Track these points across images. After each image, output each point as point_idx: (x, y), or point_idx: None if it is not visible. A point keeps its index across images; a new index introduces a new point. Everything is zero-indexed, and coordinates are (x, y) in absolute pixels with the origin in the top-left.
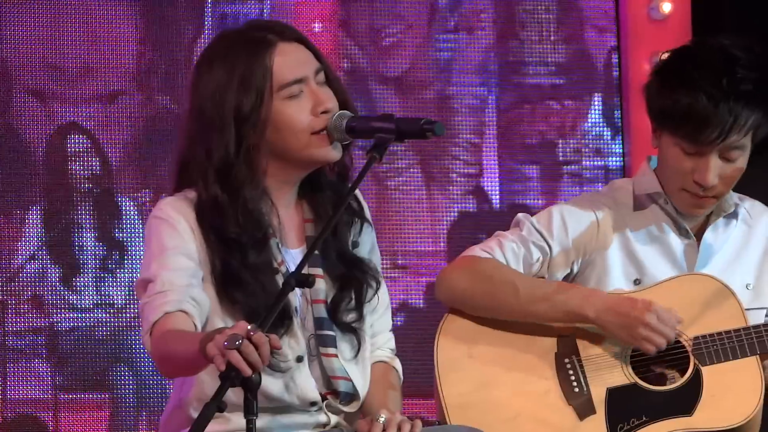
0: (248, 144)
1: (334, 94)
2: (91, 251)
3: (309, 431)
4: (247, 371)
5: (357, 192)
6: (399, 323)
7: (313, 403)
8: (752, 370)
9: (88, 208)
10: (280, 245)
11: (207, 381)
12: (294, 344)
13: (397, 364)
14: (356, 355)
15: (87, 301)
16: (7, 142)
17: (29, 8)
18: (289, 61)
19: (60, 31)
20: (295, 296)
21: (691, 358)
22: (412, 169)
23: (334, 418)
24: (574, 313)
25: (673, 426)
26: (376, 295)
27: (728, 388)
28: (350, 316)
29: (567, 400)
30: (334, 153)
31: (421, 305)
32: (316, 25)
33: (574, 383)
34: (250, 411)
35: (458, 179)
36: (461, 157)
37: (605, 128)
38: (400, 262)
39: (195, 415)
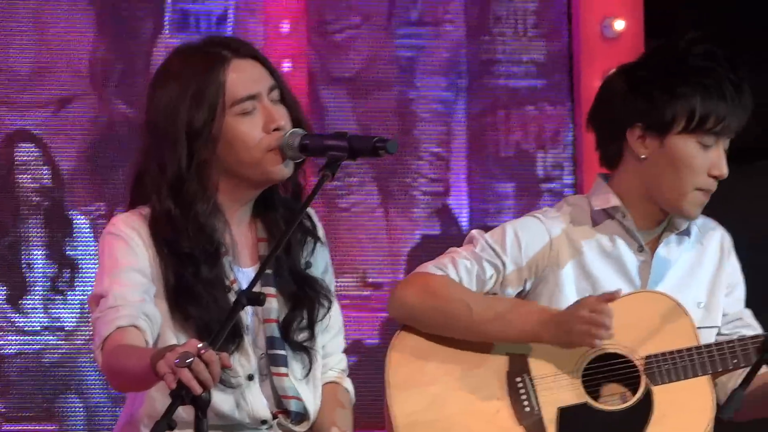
0: (200, 159)
1: (288, 111)
2: (39, 270)
3: None
4: (198, 389)
5: (311, 211)
6: (351, 361)
7: (264, 422)
8: (703, 389)
9: (37, 223)
10: (232, 264)
11: (158, 398)
12: (245, 362)
13: (349, 384)
14: (307, 375)
15: (35, 324)
16: None
17: None
18: (242, 78)
19: (6, 31)
20: (247, 315)
21: (643, 377)
22: (366, 186)
23: None
24: (526, 333)
25: None
26: (328, 315)
27: (679, 407)
28: (302, 336)
29: (518, 419)
30: (285, 171)
31: (377, 343)
32: (285, 25)
33: (525, 402)
34: (200, 429)
35: (421, 198)
36: (424, 173)
37: None
38: (353, 293)
39: (146, 431)
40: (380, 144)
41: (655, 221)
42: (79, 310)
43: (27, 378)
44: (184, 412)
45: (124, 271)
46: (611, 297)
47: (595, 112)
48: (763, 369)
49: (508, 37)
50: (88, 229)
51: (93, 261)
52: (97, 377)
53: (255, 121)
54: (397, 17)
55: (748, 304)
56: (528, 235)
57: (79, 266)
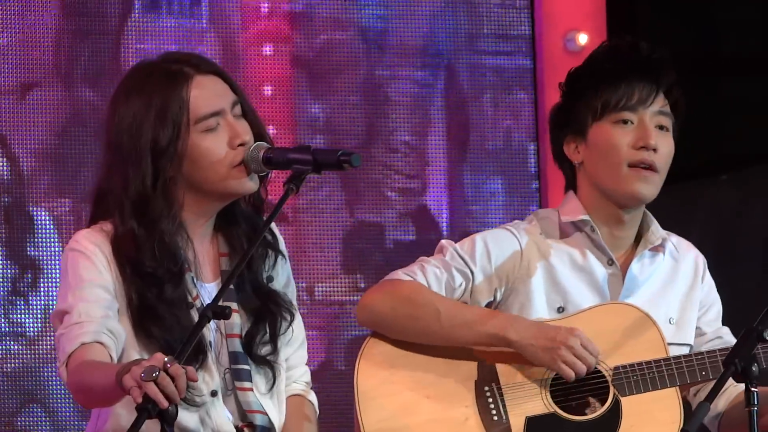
0: (165, 177)
1: (250, 126)
2: None
3: None
4: (164, 403)
5: (272, 224)
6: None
7: None
8: (671, 401)
9: None
10: (195, 279)
11: (123, 414)
12: (208, 379)
13: (313, 398)
14: (271, 389)
15: None
16: None
17: None
18: (205, 94)
19: None
20: (210, 331)
21: (611, 387)
22: (328, 185)
23: None
24: (496, 337)
25: None
26: (290, 328)
27: (647, 419)
28: (265, 349)
29: (486, 428)
30: (250, 185)
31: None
32: (264, 5)
33: (493, 411)
34: None
35: (394, 198)
36: (397, 167)
37: None
38: (305, 312)
39: None
40: (344, 157)
41: (623, 229)
42: (42, 316)
43: None
44: (150, 427)
45: (88, 287)
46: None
47: (551, 145)
48: (731, 382)
49: (494, 6)
50: (52, 228)
51: (57, 261)
52: (63, 388)
53: (219, 137)
54: None
55: None
56: (498, 246)
57: (42, 268)
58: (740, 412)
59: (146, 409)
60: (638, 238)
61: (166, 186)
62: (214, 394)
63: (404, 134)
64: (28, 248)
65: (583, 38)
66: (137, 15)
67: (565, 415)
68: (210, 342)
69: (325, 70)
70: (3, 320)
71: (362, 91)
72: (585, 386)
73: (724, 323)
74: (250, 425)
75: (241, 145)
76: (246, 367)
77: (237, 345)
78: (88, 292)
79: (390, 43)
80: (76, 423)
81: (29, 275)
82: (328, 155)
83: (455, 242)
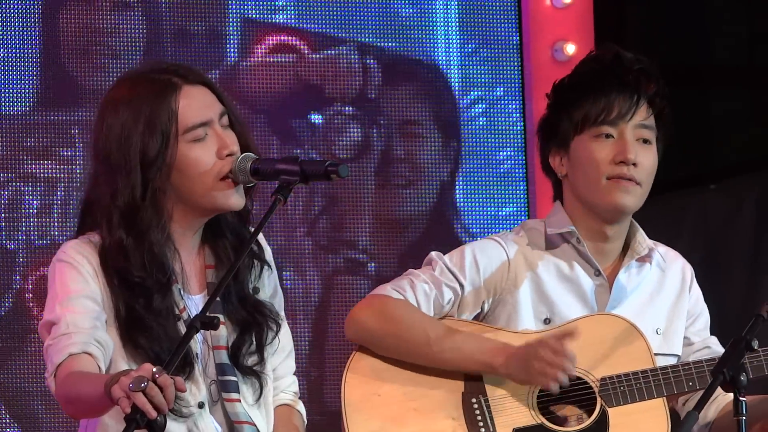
0: (154, 187)
1: (238, 136)
2: None
3: None
4: (153, 413)
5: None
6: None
7: None
8: (658, 412)
9: None
10: (182, 291)
11: (111, 424)
12: (195, 390)
13: (301, 407)
14: (258, 399)
15: None
16: None
17: None
18: (193, 105)
19: None
20: (197, 343)
21: (598, 398)
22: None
23: None
24: (482, 364)
25: None
26: (277, 338)
27: (634, 429)
28: (251, 360)
29: None
30: (236, 199)
31: None
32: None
33: (481, 424)
34: None
35: (384, 207)
36: (387, 177)
37: None
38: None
39: None
40: (332, 168)
41: (607, 242)
42: None
43: None
44: None
45: (75, 298)
46: (570, 334)
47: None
48: (723, 393)
49: None
50: None
51: None
52: (50, 403)
53: (207, 148)
54: None
55: None
56: (486, 257)
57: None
58: (730, 422)
59: (135, 419)
60: (625, 248)
61: (155, 196)
62: (201, 405)
63: (396, 144)
64: None
65: (570, 48)
66: None
67: (552, 426)
68: (197, 354)
69: (320, 81)
70: None
71: (353, 102)
72: (572, 397)
73: (712, 332)
74: None
75: (229, 155)
76: (233, 378)
77: (223, 357)
78: (76, 303)
79: (382, 53)
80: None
81: None
82: (316, 166)
83: (444, 253)
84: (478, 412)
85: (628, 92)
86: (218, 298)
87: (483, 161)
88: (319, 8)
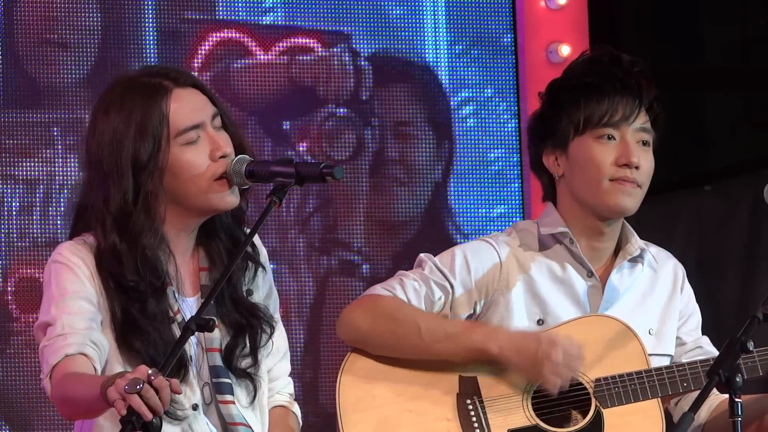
0: (146, 191)
1: (231, 138)
2: None
3: None
4: (148, 415)
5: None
6: None
7: None
8: (653, 412)
9: None
10: (176, 294)
11: (107, 426)
12: (189, 393)
13: (296, 409)
14: (253, 401)
15: None
16: None
17: None
18: (185, 107)
19: None
20: (191, 345)
21: (593, 399)
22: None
23: None
24: (477, 350)
25: None
26: (271, 340)
27: (629, 430)
28: (245, 362)
29: None
30: (231, 199)
31: None
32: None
33: (475, 424)
34: None
35: (378, 208)
36: (381, 177)
37: None
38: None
39: None
40: (327, 170)
41: (602, 241)
42: None
43: None
44: None
45: (71, 299)
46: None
47: (528, 155)
48: (715, 393)
49: None
50: None
51: None
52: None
53: (200, 150)
54: None
55: None
56: (477, 258)
57: None
58: (723, 422)
59: (130, 421)
60: (617, 250)
61: (147, 200)
62: (195, 407)
63: (389, 144)
64: None
65: (565, 50)
66: None
67: (547, 427)
68: (191, 356)
69: (313, 83)
70: None
71: (347, 104)
72: (567, 398)
73: (706, 333)
74: None
75: (222, 157)
76: (227, 380)
77: (217, 359)
78: (72, 304)
79: (374, 54)
80: None
81: None
82: (311, 168)
83: (436, 254)
84: (472, 413)
85: (631, 95)
86: (212, 301)
87: (476, 162)
88: (308, 9)
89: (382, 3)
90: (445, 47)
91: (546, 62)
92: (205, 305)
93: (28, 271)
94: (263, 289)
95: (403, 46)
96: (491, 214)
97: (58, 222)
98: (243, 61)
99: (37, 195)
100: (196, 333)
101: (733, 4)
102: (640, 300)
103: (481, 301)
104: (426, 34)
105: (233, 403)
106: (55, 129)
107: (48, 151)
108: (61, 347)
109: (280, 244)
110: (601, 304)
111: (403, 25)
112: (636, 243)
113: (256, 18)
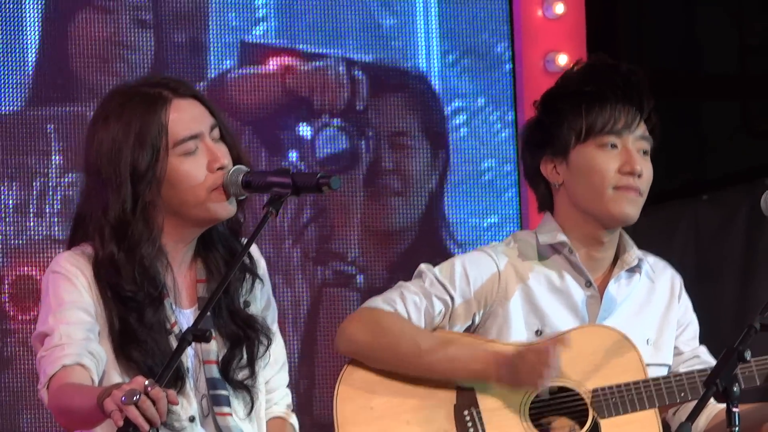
0: (145, 201)
1: (229, 149)
2: None
3: None
4: (145, 426)
5: (252, 246)
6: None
7: None
8: (651, 423)
9: None
10: (173, 305)
11: None
12: (186, 405)
13: (294, 420)
14: (250, 413)
15: None
16: None
17: None
18: (184, 118)
19: None
20: (188, 357)
21: (590, 410)
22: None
23: None
24: (475, 375)
25: None
26: (268, 352)
27: None
28: (242, 374)
29: None
30: (229, 209)
31: None
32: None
33: None
34: None
35: (375, 218)
36: (378, 188)
37: None
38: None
39: None
40: (323, 180)
41: (601, 250)
42: None
43: None
44: None
45: (68, 308)
46: (561, 342)
47: (522, 164)
48: (713, 403)
49: None
50: None
51: None
52: (40, 406)
53: (198, 161)
54: None
55: None
56: (476, 269)
57: None
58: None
59: None
60: (615, 260)
61: (145, 210)
62: (192, 419)
63: (385, 154)
64: None
65: (562, 59)
66: None
67: None
68: (188, 368)
69: (308, 93)
70: None
71: (343, 114)
72: (564, 409)
73: (703, 341)
74: None
75: (220, 168)
76: (224, 392)
77: (214, 371)
78: (69, 314)
79: (369, 64)
80: None
81: None
82: (308, 178)
83: (435, 265)
84: (470, 424)
85: (632, 104)
86: (208, 313)
87: (471, 171)
88: (301, 19)
89: (374, 12)
90: (440, 57)
91: (543, 71)
92: (201, 316)
93: (24, 269)
94: (261, 301)
95: (399, 56)
96: (486, 224)
97: (54, 220)
98: (238, 71)
99: (33, 194)
100: (194, 345)
101: (730, 12)
102: (638, 310)
103: (480, 311)
104: (420, 44)
105: (230, 414)
106: (50, 126)
107: (43, 147)
108: (58, 357)
109: (276, 254)
110: (599, 314)
111: (397, 34)
112: (634, 253)
113: (247, 27)
